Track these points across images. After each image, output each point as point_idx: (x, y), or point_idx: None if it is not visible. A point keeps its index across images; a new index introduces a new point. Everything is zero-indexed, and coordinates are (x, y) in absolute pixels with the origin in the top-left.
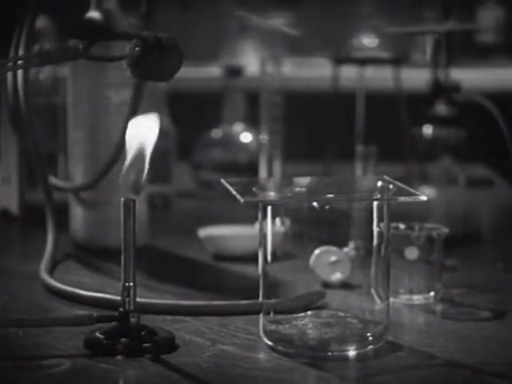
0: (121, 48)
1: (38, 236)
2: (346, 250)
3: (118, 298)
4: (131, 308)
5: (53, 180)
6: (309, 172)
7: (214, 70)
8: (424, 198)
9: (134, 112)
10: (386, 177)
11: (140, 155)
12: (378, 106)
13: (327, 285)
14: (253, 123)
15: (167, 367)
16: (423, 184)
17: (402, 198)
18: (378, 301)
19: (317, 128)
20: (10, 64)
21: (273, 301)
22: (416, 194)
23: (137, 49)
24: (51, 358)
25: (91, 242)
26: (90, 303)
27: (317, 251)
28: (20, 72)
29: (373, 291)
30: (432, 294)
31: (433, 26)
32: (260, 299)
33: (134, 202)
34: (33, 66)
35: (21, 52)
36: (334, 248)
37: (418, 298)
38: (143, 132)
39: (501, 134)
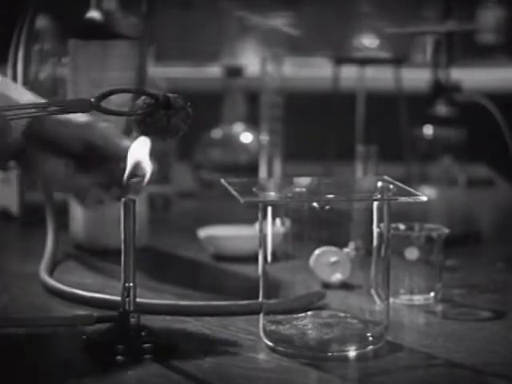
0: (120, 48)
1: (38, 236)
2: (346, 250)
3: (118, 298)
4: (131, 308)
5: None
6: (309, 172)
7: (214, 70)
8: (424, 198)
9: None
10: (386, 177)
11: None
12: (379, 106)
13: (327, 285)
14: (253, 123)
15: (167, 368)
16: (423, 184)
17: (403, 198)
18: (378, 301)
19: (317, 128)
20: (21, 111)
21: (273, 301)
22: (416, 195)
23: (145, 106)
24: (51, 358)
25: (91, 242)
26: (90, 303)
27: (317, 252)
28: (20, 72)
29: (373, 292)
30: (432, 294)
31: (433, 26)
32: (260, 299)
33: (133, 202)
34: (43, 114)
35: (20, 52)
36: (334, 248)
37: (418, 299)
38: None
39: (501, 134)
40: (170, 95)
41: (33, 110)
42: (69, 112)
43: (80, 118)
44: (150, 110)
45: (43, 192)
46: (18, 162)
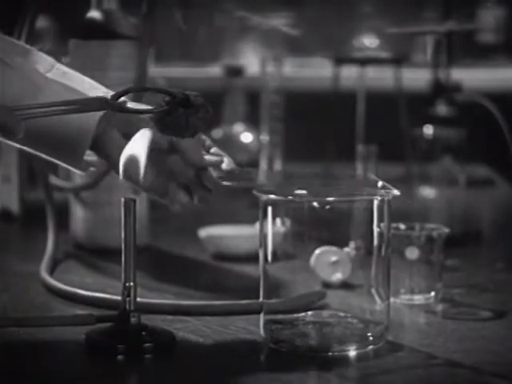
0: (120, 48)
1: (38, 236)
2: (346, 250)
3: (119, 297)
4: (132, 308)
5: (53, 180)
6: (309, 172)
7: (214, 70)
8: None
9: None
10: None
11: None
12: (379, 106)
13: (327, 285)
14: (253, 123)
15: (167, 367)
16: (424, 184)
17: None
18: (378, 301)
19: (317, 128)
20: (35, 110)
21: (273, 301)
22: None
23: (164, 104)
24: (51, 358)
25: (91, 241)
26: (91, 303)
27: (317, 251)
28: None
29: (373, 291)
30: (432, 293)
31: (433, 26)
32: (260, 299)
33: (134, 201)
34: (58, 113)
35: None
36: (334, 248)
37: (418, 298)
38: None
39: (501, 134)
40: (189, 93)
41: (48, 109)
42: (86, 111)
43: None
44: (169, 109)
45: (43, 192)
46: (96, 152)
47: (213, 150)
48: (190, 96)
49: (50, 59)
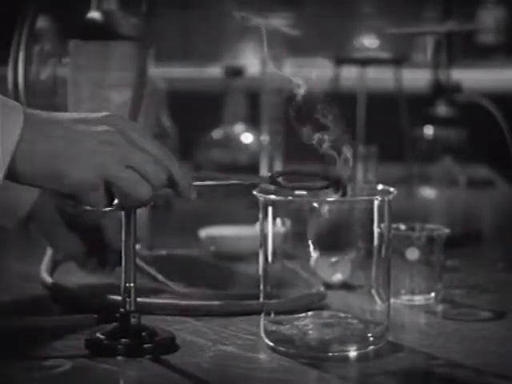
0: (120, 48)
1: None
2: (346, 250)
3: (119, 298)
4: (132, 308)
5: None
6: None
7: (214, 71)
8: None
9: (135, 113)
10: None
11: None
12: (379, 106)
13: (328, 285)
14: (253, 123)
15: (168, 367)
16: (424, 184)
17: None
18: (378, 301)
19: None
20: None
21: (273, 301)
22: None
23: (319, 188)
24: (52, 358)
25: None
26: (91, 303)
27: (317, 252)
28: (20, 72)
29: (373, 292)
30: (433, 294)
31: (433, 26)
32: (261, 299)
33: None
34: (221, 184)
35: (21, 53)
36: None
37: (418, 299)
38: None
39: (501, 135)
40: (340, 175)
41: (213, 182)
42: (249, 186)
43: None
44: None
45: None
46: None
47: None
48: (341, 177)
49: None
